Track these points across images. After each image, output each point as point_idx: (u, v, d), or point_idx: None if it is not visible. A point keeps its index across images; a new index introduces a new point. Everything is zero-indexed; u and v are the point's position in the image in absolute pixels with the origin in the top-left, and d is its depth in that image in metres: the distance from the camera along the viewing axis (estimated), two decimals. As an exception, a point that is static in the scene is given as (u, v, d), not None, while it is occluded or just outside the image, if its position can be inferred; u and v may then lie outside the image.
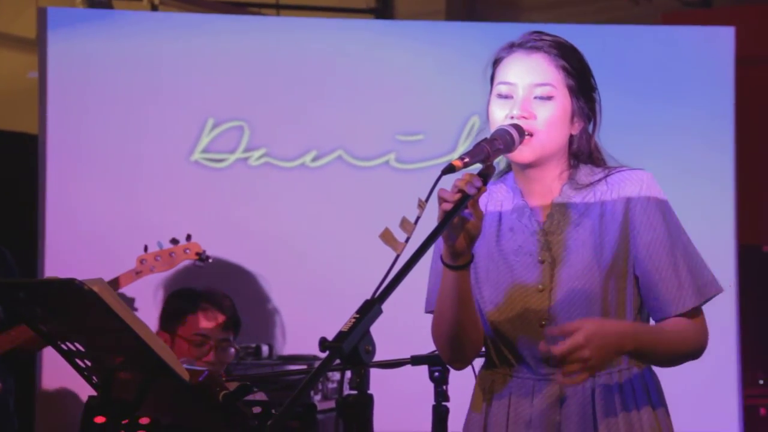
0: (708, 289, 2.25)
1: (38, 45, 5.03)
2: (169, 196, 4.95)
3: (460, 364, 2.36)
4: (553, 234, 2.28)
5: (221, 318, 3.35)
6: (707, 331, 2.28)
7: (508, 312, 2.28)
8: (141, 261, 4.08)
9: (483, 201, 2.31)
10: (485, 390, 2.34)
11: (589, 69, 2.31)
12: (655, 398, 2.29)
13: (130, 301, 4.44)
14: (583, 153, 2.31)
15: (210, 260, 4.17)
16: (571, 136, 2.29)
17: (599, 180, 2.28)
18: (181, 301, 3.42)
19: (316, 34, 5.14)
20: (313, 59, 5.08)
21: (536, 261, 2.28)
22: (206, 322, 3.35)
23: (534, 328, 2.26)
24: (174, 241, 4.12)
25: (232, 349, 3.39)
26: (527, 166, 2.28)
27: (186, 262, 4.17)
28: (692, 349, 2.27)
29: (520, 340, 2.28)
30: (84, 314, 1.87)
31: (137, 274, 4.06)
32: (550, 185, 2.30)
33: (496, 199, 2.35)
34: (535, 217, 2.30)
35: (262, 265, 5.00)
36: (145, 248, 4.09)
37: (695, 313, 2.25)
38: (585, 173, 2.30)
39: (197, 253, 4.13)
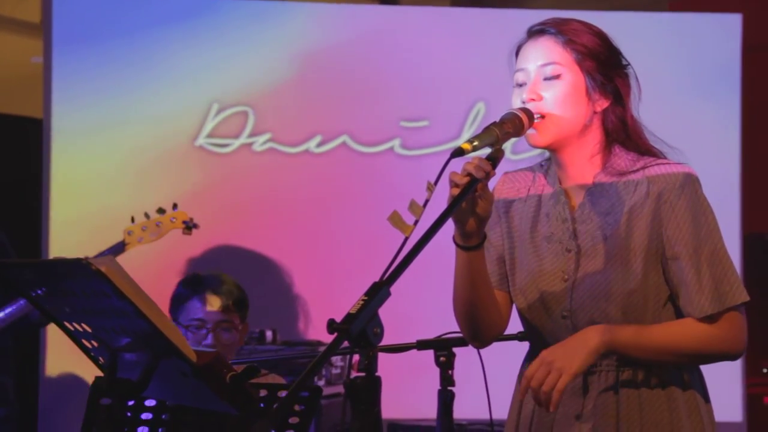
0: (729, 298, 2.18)
1: (43, 29, 5.02)
2: (174, 180, 4.95)
3: (478, 343, 2.35)
4: (583, 223, 2.23)
5: (218, 302, 3.34)
6: (737, 335, 2.21)
7: (533, 300, 2.25)
8: (128, 233, 4.06)
9: (526, 186, 2.31)
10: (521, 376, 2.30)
11: (613, 47, 2.26)
12: (690, 398, 2.26)
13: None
14: (618, 134, 2.24)
15: (198, 227, 4.14)
16: (596, 114, 2.23)
17: (637, 170, 2.21)
18: (180, 288, 3.42)
19: (321, 20, 5.13)
20: (318, 45, 5.07)
21: (564, 250, 2.24)
22: (202, 307, 3.33)
23: (556, 320, 2.23)
24: (160, 211, 4.09)
25: (234, 332, 3.37)
26: (551, 150, 2.25)
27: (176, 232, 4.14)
28: (716, 351, 2.21)
29: (545, 330, 2.25)
30: (91, 294, 1.87)
31: (125, 246, 4.04)
32: (582, 170, 2.25)
33: (538, 184, 2.31)
34: (569, 204, 2.26)
35: (266, 250, 5.00)
36: (132, 219, 4.05)
37: (716, 318, 2.18)
38: (624, 160, 2.23)
39: (183, 221, 4.11)
